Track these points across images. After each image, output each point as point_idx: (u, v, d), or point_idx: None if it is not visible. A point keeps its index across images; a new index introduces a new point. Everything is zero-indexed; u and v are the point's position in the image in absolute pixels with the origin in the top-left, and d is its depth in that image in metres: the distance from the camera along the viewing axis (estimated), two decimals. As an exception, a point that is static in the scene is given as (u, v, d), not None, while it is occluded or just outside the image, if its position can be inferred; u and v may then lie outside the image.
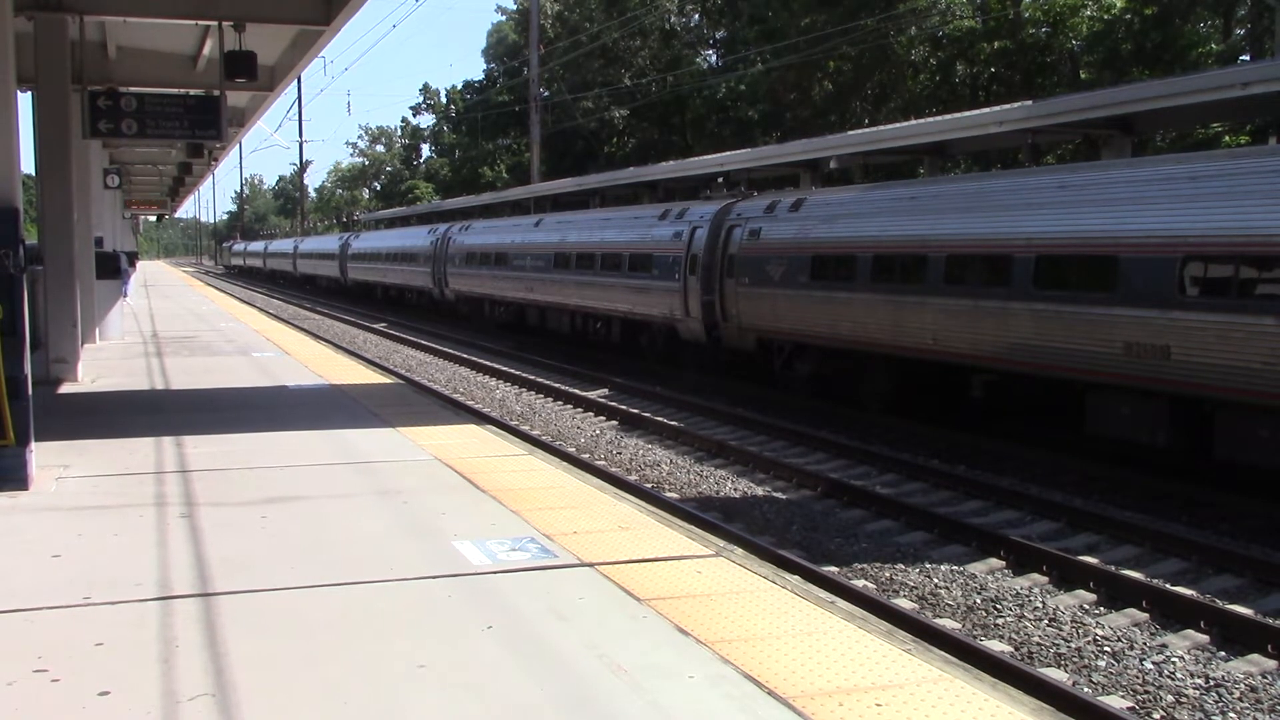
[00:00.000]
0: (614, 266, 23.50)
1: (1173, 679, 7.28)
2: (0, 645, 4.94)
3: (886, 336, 15.46)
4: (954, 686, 4.59)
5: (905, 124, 23.53)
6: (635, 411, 17.32)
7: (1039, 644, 7.93)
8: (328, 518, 7.36)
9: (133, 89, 15.63)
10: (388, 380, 16.53)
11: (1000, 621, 8.38)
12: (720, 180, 25.07)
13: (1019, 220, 13.51)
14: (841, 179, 24.90)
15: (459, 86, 77.80)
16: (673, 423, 16.44)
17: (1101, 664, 7.55)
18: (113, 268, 20.56)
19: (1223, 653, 7.80)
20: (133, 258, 24.85)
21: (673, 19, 54.51)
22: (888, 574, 9.54)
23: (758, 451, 14.28)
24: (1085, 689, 7.11)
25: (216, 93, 15.28)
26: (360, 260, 49.02)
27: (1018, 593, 9.00)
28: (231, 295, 48.86)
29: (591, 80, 55.02)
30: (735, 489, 12.65)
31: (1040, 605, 8.68)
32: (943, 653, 5.36)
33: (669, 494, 12.34)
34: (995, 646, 7.80)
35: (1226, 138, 27.74)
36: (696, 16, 55.52)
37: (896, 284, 15.24)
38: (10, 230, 7.95)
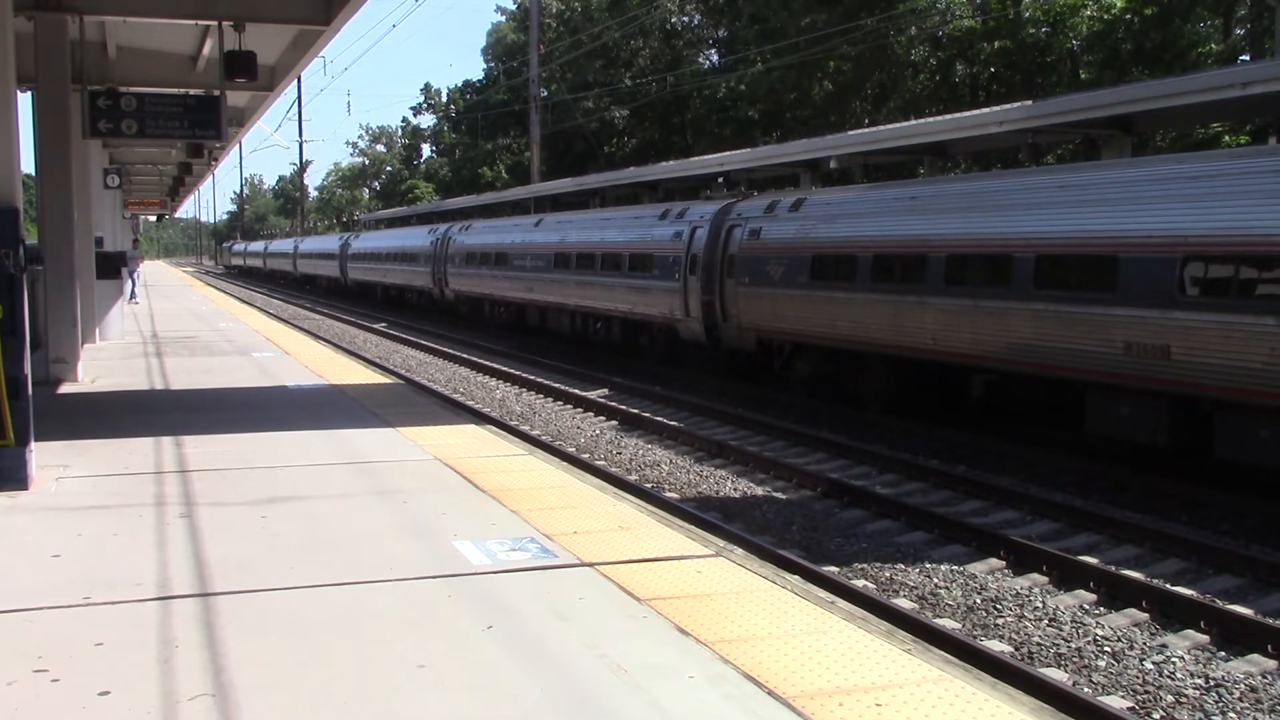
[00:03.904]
0: (614, 266, 23.51)
1: (1173, 679, 7.27)
2: (0, 645, 4.94)
3: (886, 336, 15.46)
4: (954, 686, 4.59)
5: (905, 124, 23.53)
6: (635, 411, 17.32)
7: (1039, 644, 7.92)
8: (327, 518, 7.36)
9: (133, 89, 15.62)
10: (388, 380, 16.53)
11: (1000, 621, 8.38)
12: (720, 180, 25.07)
13: (1019, 220, 13.51)
14: (841, 179, 24.90)
15: (459, 86, 77.87)
16: (673, 423, 16.44)
17: (1101, 664, 7.55)
18: (113, 268, 20.53)
19: (1223, 653, 7.80)
20: (122, 258, 24.63)
21: (674, 19, 54.51)
22: (888, 574, 9.54)
23: (758, 451, 14.28)
24: (1085, 689, 7.11)
25: (216, 93, 15.27)
26: (360, 260, 49.03)
27: (1018, 593, 9.00)
28: (231, 295, 48.87)
29: (593, 80, 55.03)
30: (735, 489, 12.64)
31: (1040, 605, 8.68)
32: (943, 653, 5.36)
33: (669, 494, 12.34)
34: (995, 646, 7.80)
35: (1226, 138, 27.74)
36: (698, 17, 55.53)
37: (896, 284, 15.24)
38: (10, 230, 7.95)
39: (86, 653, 4.87)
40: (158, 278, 59.72)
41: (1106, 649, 7.79)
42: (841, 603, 5.99)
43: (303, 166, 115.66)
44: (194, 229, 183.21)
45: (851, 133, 27.32)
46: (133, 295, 34.35)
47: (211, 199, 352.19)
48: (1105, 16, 33.11)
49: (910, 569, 9.64)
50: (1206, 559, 9.63)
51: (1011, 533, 10.43)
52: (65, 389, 13.90)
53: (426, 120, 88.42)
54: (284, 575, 6.01)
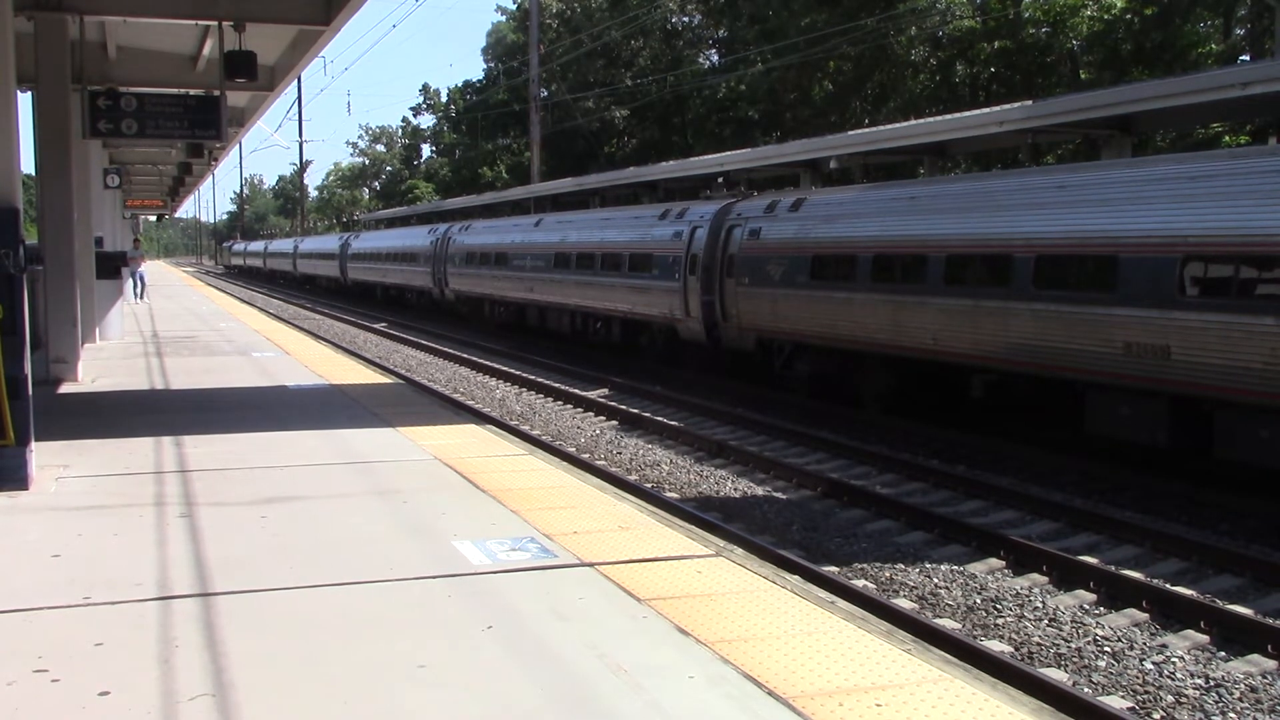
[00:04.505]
0: (614, 266, 23.51)
1: (1173, 679, 7.28)
2: (0, 645, 4.94)
3: (886, 336, 15.46)
4: (954, 686, 4.59)
5: (905, 124, 23.52)
6: (635, 411, 17.32)
7: (1039, 644, 7.92)
8: (327, 517, 7.36)
9: (133, 89, 15.61)
10: (388, 380, 16.53)
11: (1000, 621, 8.38)
12: (720, 180, 25.07)
13: (1019, 220, 13.51)
14: (841, 179, 24.90)
15: (459, 86, 77.92)
16: (673, 423, 16.43)
17: (1101, 664, 7.55)
18: (114, 268, 20.52)
19: (1223, 653, 7.80)
20: (122, 258, 24.61)
21: (674, 19, 54.53)
22: (888, 574, 9.54)
23: (758, 451, 14.28)
24: (1085, 689, 7.11)
25: (216, 93, 15.27)
26: (360, 260, 49.03)
27: (1018, 593, 9.00)
28: (231, 295, 48.87)
29: (593, 80, 55.03)
30: (735, 489, 12.64)
31: (1040, 605, 8.68)
32: (943, 653, 5.36)
33: (669, 494, 12.34)
34: (995, 646, 7.80)
35: (1226, 138, 27.73)
36: (698, 17, 55.55)
37: (896, 284, 15.24)
38: (10, 230, 7.95)
39: (86, 653, 4.87)
40: (158, 278, 59.68)
41: (1106, 649, 7.79)
42: (841, 603, 6.00)
43: (303, 166, 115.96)
44: (194, 229, 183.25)
45: (851, 133, 27.33)
46: (141, 296, 34.38)
47: (211, 199, 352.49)
48: (1105, 16, 33.10)
49: (910, 569, 9.64)
50: (1206, 559, 9.63)
51: (1011, 533, 10.43)
52: (65, 389, 13.90)
53: (426, 120, 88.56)
54: (284, 575, 6.02)
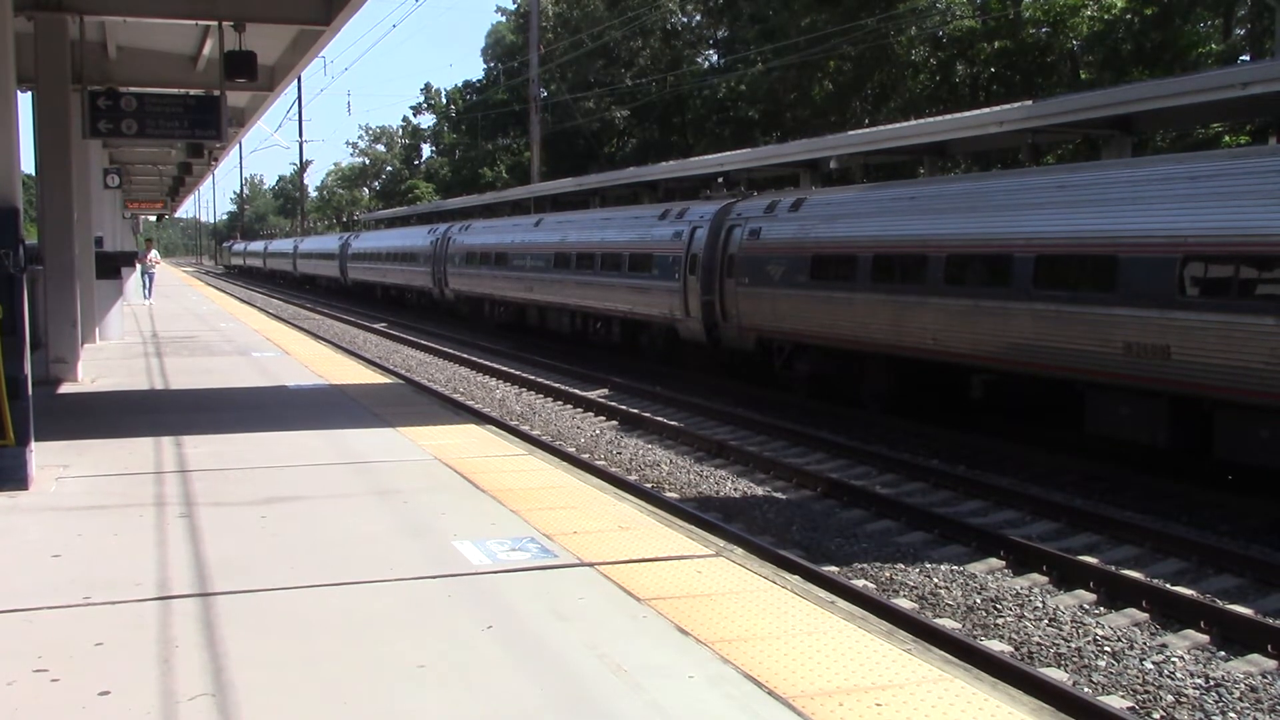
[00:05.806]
0: (614, 266, 23.51)
1: (1173, 679, 7.28)
2: (0, 645, 4.94)
3: (886, 336, 15.46)
4: (954, 686, 4.59)
5: (905, 124, 23.52)
6: (635, 411, 17.32)
7: (1039, 644, 7.92)
8: (327, 518, 7.36)
9: (133, 89, 15.60)
10: (388, 380, 16.53)
11: (1000, 621, 8.38)
12: (720, 180, 25.07)
13: (1019, 220, 13.51)
14: (841, 179, 24.90)
15: (459, 86, 77.97)
16: (673, 423, 16.43)
17: (1101, 664, 7.55)
18: (113, 268, 20.50)
19: (1223, 653, 7.80)
20: (131, 258, 24.68)
21: (674, 19, 54.55)
22: (888, 574, 9.54)
23: (758, 451, 14.28)
24: (1085, 689, 7.11)
25: (216, 93, 15.26)
26: (360, 260, 49.04)
27: (1018, 593, 9.00)
28: (231, 295, 48.90)
29: (593, 80, 55.05)
30: (735, 489, 12.64)
31: (1040, 605, 8.68)
32: (943, 653, 5.35)
33: (669, 494, 12.34)
34: (995, 646, 7.80)
35: (1226, 138, 27.73)
36: (698, 17, 55.56)
37: (896, 284, 15.24)
38: (10, 230, 7.95)
39: (86, 653, 4.86)
40: (158, 278, 59.62)
41: (1106, 649, 7.79)
42: (841, 603, 5.99)
43: (303, 166, 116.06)
44: (194, 229, 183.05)
45: (851, 133, 27.32)
46: (148, 295, 34.57)
47: (211, 199, 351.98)
48: (1105, 16, 33.11)
49: (910, 569, 9.64)
50: (1206, 559, 9.63)
51: (1011, 533, 10.43)
52: (65, 389, 13.89)
53: (426, 120, 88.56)
54: (284, 575, 6.01)
